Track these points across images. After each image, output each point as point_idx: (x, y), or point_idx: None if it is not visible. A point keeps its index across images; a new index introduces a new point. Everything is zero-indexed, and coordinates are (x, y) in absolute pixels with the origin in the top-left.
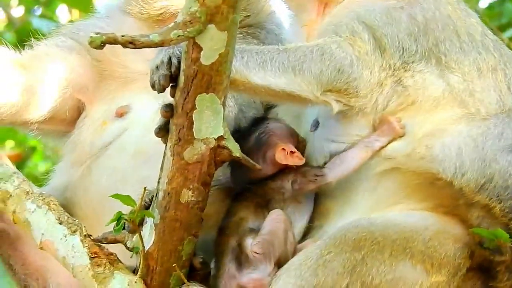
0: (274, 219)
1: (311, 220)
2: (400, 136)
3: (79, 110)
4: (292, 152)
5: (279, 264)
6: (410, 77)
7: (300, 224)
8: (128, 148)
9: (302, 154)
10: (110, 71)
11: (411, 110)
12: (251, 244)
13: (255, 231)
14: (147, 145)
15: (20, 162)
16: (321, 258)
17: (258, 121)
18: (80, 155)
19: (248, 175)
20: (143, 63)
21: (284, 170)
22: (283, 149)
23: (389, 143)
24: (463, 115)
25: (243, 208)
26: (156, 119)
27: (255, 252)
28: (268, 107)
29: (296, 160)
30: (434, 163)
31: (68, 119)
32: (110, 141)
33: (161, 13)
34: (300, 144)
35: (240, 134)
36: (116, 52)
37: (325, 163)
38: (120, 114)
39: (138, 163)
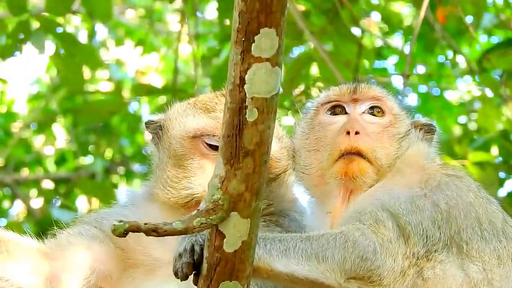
0: None
1: None
2: None
3: None
4: None
5: None
6: (431, 268)
7: None
8: None
9: None
10: (133, 260)
11: None
12: None
13: None
14: None
15: None
16: None
17: None
18: None
19: None
20: (167, 251)
21: None
22: None
23: None
24: None
25: None
26: None
27: None
28: None
29: None
30: None
31: None
32: None
33: (188, 201)
34: None
35: None
36: (139, 241)
37: None
38: None
39: None
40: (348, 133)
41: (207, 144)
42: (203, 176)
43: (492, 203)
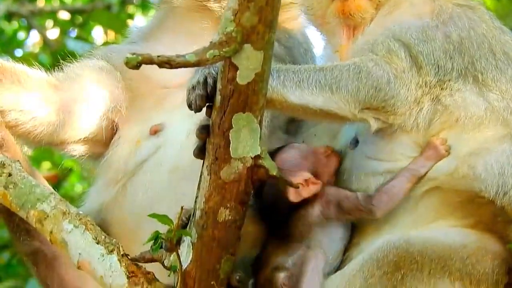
0: (304, 257)
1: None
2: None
3: (113, 131)
4: (305, 182)
5: None
6: (449, 95)
7: (334, 248)
8: (164, 166)
9: (331, 163)
10: (141, 90)
11: (455, 129)
12: (280, 279)
13: (281, 267)
14: (183, 162)
15: (56, 183)
16: (365, 282)
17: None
18: (115, 174)
19: (276, 203)
20: (175, 79)
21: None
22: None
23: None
24: (506, 134)
25: (272, 245)
26: (191, 137)
27: (283, 284)
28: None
29: (313, 189)
30: (476, 182)
31: (103, 140)
32: (145, 159)
33: None
34: (321, 159)
35: None
36: (147, 71)
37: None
38: (154, 132)
39: (175, 181)
40: None
41: None
42: None
43: (506, 33)
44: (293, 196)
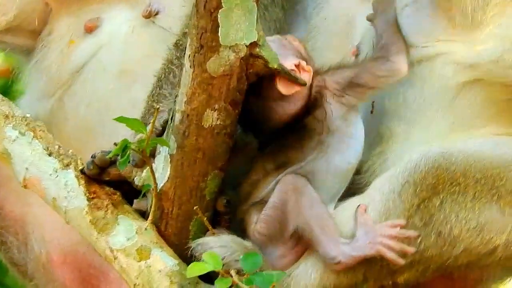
0: (281, 190)
1: (371, 147)
2: None
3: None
4: (297, 68)
5: (300, 235)
6: None
7: (339, 169)
8: (108, 69)
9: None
10: None
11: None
12: (255, 222)
13: (261, 203)
14: (131, 63)
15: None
16: (402, 216)
17: None
18: (47, 86)
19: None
20: None
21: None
22: (281, 77)
23: None
24: None
25: (258, 171)
26: (137, 30)
27: (258, 232)
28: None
29: (306, 76)
30: None
31: (37, 30)
32: (83, 63)
33: None
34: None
35: None
36: None
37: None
38: (90, 29)
39: (124, 85)
40: None
41: None
42: None
43: None
44: (284, 88)
